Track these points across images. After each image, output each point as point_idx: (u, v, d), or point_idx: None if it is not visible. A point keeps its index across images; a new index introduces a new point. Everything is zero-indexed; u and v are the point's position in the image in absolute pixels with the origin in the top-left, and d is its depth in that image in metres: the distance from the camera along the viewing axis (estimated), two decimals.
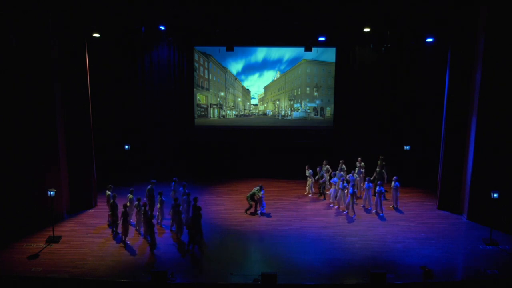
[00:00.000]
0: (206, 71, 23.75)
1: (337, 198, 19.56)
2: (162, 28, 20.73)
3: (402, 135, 22.87)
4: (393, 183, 19.34)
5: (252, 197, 18.83)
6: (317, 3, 19.09)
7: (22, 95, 17.09)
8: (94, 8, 18.42)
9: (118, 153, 22.58)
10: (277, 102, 24.25)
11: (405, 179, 21.03)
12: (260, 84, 24.08)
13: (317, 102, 23.94)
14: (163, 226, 17.73)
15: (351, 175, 19.95)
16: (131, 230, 16.89)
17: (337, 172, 20.23)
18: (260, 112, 24.44)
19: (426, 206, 19.91)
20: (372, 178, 20.06)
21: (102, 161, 21.52)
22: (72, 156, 18.71)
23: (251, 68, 23.78)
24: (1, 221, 16.95)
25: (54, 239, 16.41)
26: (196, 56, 23.43)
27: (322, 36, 21.19)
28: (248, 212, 18.96)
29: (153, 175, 20.83)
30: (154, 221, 16.41)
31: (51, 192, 16.26)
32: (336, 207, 19.64)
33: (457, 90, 18.47)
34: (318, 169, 20.88)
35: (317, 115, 24.05)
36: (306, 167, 20.97)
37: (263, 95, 24.24)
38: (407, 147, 22.22)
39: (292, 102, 24.11)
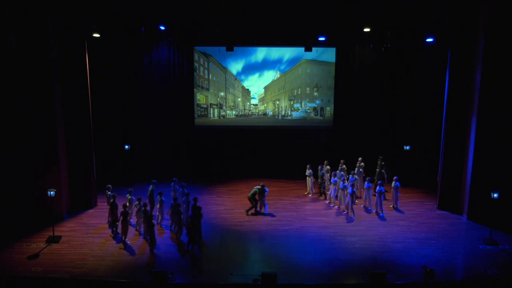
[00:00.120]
0: (206, 71, 23.75)
1: (338, 198, 19.58)
2: (162, 28, 20.72)
3: (402, 135, 22.88)
4: (393, 183, 19.35)
5: (253, 196, 18.82)
6: (317, 3, 19.09)
7: (22, 95, 17.09)
8: (94, 8, 18.42)
9: (118, 153, 22.59)
10: (277, 102, 24.25)
11: (405, 179, 21.02)
12: (260, 84, 24.09)
13: (317, 102, 23.94)
14: (163, 226, 17.73)
15: (350, 175, 19.95)
16: (131, 230, 16.90)
17: (337, 172, 20.25)
18: (260, 112, 24.44)
19: (426, 206, 19.91)
20: (373, 178, 20.07)
21: (102, 161, 21.53)
22: (72, 156, 18.71)
23: (251, 68, 23.78)
24: (1, 221, 16.95)
25: (54, 239, 16.41)
26: (196, 56, 23.43)
27: (322, 36, 21.18)
28: (250, 212, 18.94)
29: (153, 175, 20.82)
30: (154, 221, 16.42)
31: (51, 192, 16.27)
32: (336, 207, 19.64)
33: (457, 90, 18.47)
34: (319, 167, 20.89)
35: (317, 115, 24.05)
36: (308, 166, 20.97)
37: (263, 95, 24.24)
38: (407, 147, 22.22)
39: (292, 102, 24.11)
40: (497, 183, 16.82)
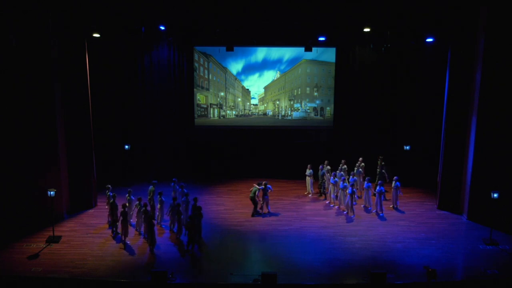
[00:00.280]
0: (206, 71, 23.75)
1: (338, 198, 19.58)
2: (162, 28, 20.72)
3: (402, 135, 22.88)
4: (393, 183, 19.36)
5: (255, 195, 18.79)
6: (317, 3, 19.09)
7: (22, 95, 17.10)
8: (94, 8, 18.42)
9: (118, 153, 22.59)
10: (277, 102, 24.25)
11: (405, 179, 21.01)
12: (260, 84, 24.09)
13: (317, 102, 23.94)
14: (163, 226, 17.73)
15: (350, 176, 19.93)
16: (131, 230, 16.91)
17: (337, 172, 20.25)
18: (260, 112, 24.44)
19: (426, 206, 19.91)
20: (374, 179, 20.06)
21: (102, 161, 21.53)
22: (72, 156, 18.71)
23: (251, 68, 23.78)
24: (1, 221, 16.96)
25: (54, 239, 16.41)
26: (196, 56, 23.43)
27: (322, 36, 21.18)
28: (255, 214, 18.80)
29: (153, 175, 20.84)
30: (154, 221, 16.42)
31: (51, 192, 16.27)
32: (336, 207, 19.65)
33: (457, 90, 18.47)
34: (320, 167, 20.89)
35: (317, 115, 24.05)
36: (309, 166, 20.96)
37: (263, 95, 24.24)
38: (407, 147, 22.22)
39: (292, 102, 24.11)
40: (497, 183, 16.82)
